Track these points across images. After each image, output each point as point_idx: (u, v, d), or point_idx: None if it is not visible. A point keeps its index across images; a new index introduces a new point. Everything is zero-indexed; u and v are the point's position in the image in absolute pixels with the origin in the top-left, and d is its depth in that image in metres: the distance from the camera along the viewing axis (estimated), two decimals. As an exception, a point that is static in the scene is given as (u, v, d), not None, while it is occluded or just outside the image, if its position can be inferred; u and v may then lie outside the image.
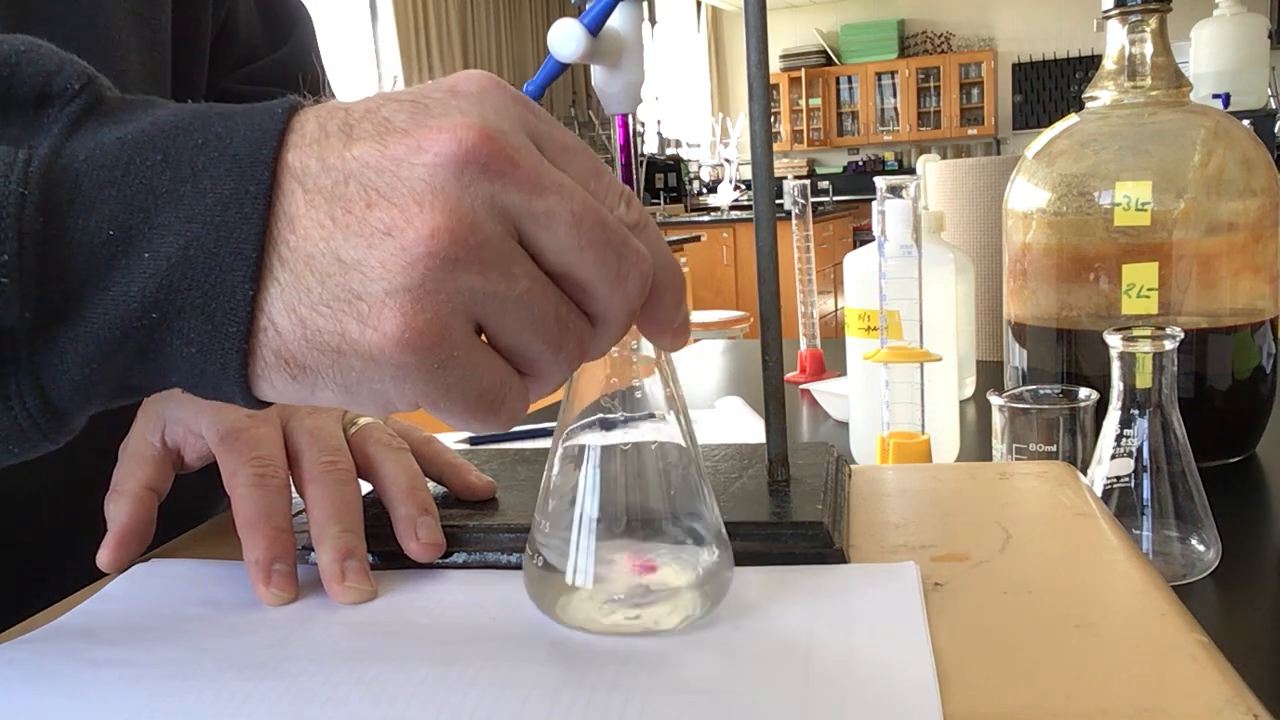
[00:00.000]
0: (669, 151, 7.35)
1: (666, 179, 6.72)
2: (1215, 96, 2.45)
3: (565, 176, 0.31)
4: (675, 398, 0.38)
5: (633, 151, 0.41)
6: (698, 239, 5.50)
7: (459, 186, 0.29)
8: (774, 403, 0.46)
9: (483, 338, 0.31)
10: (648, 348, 0.37)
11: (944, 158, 1.30)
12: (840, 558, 0.41)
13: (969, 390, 1.03)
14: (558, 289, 0.31)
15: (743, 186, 6.70)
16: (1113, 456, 0.59)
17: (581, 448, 0.37)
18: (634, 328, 0.35)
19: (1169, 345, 0.57)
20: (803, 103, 8.93)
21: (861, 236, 6.41)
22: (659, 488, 0.37)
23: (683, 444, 0.38)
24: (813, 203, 1.21)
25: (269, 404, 0.32)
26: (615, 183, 0.33)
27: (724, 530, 0.38)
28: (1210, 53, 2.55)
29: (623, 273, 0.31)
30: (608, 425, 0.37)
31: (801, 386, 1.12)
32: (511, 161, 0.30)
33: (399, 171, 0.29)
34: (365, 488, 0.46)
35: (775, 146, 2.68)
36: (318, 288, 0.29)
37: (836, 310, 5.03)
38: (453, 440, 0.94)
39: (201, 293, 0.29)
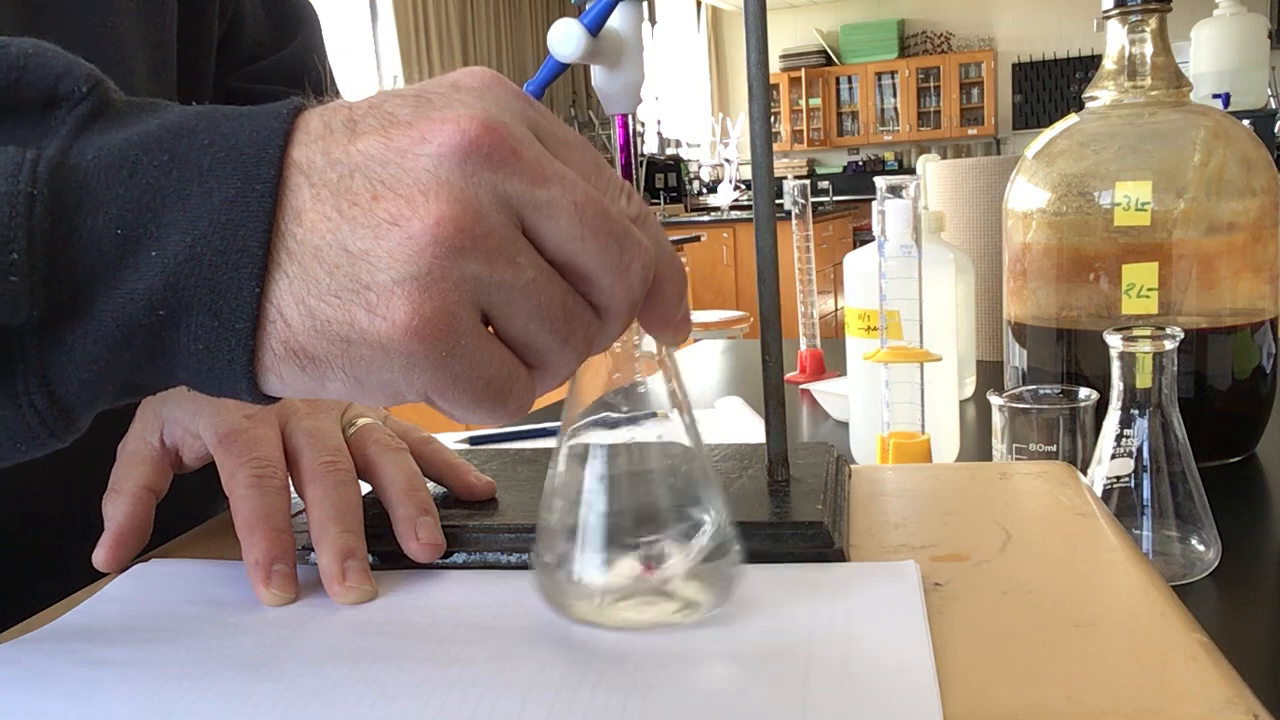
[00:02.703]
0: (669, 151, 7.35)
1: (666, 179, 6.72)
2: (1215, 96, 2.45)
3: (567, 168, 0.31)
4: (679, 394, 0.38)
5: (633, 151, 0.41)
6: (698, 239, 5.50)
7: (463, 176, 0.29)
8: (774, 403, 0.46)
9: (490, 330, 0.31)
10: (650, 344, 0.37)
11: (944, 158, 1.30)
12: (840, 557, 0.41)
13: (969, 390, 1.03)
14: (563, 279, 0.31)
15: (743, 186, 6.70)
16: (1113, 456, 0.59)
17: (587, 445, 0.37)
18: (636, 325, 0.35)
19: (1169, 345, 0.57)
20: (803, 103, 8.93)
21: (861, 236, 6.40)
22: (665, 484, 0.37)
23: (688, 440, 0.38)
24: (813, 203, 1.21)
25: (275, 399, 0.32)
26: (616, 177, 0.33)
27: (731, 526, 0.38)
28: (1210, 53, 2.55)
29: (624, 263, 0.31)
30: (612, 422, 0.37)
31: (801, 386, 1.12)
32: (514, 152, 0.30)
33: (403, 163, 0.30)
34: (365, 488, 0.46)
35: (775, 146, 2.68)
36: (326, 279, 0.30)
37: (836, 310, 5.03)
38: (452, 440, 0.94)
39: (208, 290, 0.29)
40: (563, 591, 0.37)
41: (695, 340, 1.67)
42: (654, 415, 0.37)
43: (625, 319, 0.33)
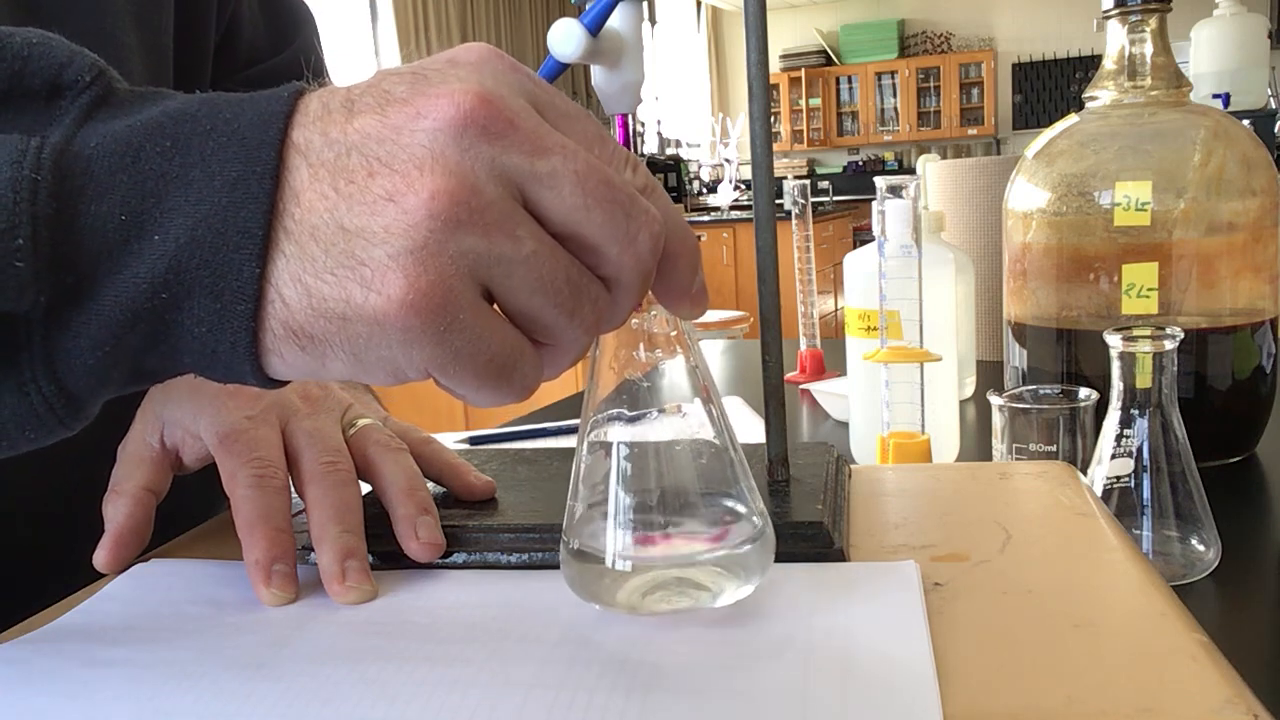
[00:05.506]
0: (669, 151, 7.35)
1: (666, 179, 6.69)
2: (1215, 96, 2.44)
3: (567, 138, 0.31)
4: (702, 373, 0.37)
5: (633, 151, 0.41)
6: (698, 239, 5.49)
7: (458, 150, 0.29)
8: (774, 403, 0.46)
9: (496, 307, 0.31)
10: (669, 326, 0.37)
11: (944, 158, 1.30)
12: (840, 557, 0.41)
13: (969, 390, 1.03)
14: (567, 252, 0.31)
15: (743, 186, 6.70)
16: (1113, 456, 0.59)
17: (611, 431, 0.36)
18: (658, 307, 0.35)
19: (1169, 345, 0.57)
20: (803, 103, 8.92)
21: (861, 236, 6.40)
22: (694, 467, 0.37)
23: (714, 422, 0.37)
24: (813, 203, 1.21)
25: (282, 383, 0.32)
26: (620, 148, 0.33)
27: (764, 506, 0.37)
28: (1210, 53, 2.55)
29: (632, 232, 0.31)
30: (636, 407, 0.36)
31: (801, 386, 1.12)
32: (510, 124, 0.30)
33: (399, 139, 0.30)
34: (365, 488, 0.46)
35: (775, 146, 2.68)
36: (322, 257, 0.30)
37: (836, 310, 5.02)
38: (452, 440, 0.94)
39: (210, 272, 0.29)
40: (595, 581, 0.36)
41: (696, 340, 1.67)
42: (680, 396, 0.37)
43: (637, 291, 0.32)
